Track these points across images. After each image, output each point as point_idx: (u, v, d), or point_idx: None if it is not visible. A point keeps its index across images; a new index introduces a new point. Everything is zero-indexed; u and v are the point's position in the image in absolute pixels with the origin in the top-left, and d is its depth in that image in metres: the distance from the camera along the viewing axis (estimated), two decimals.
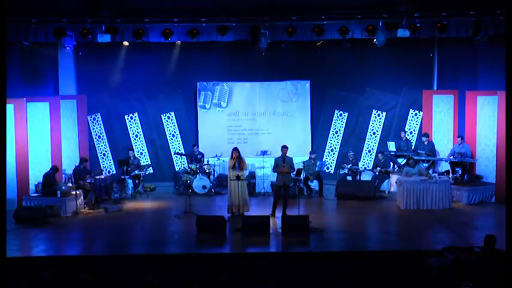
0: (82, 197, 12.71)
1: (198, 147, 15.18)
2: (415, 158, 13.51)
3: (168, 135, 16.22)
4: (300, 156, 14.39)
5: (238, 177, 11.62)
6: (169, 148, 16.23)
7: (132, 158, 14.72)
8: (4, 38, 8.32)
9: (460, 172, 13.45)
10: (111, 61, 15.44)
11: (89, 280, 7.40)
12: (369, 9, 12.93)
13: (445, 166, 14.36)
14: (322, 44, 14.24)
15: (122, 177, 14.10)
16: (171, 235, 10.88)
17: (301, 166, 14.04)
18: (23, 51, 13.72)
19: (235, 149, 11.95)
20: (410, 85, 15.71)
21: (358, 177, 14.48)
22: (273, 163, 12.08)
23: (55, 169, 12.56)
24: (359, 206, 12.86)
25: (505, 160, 9.44)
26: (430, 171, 13.73)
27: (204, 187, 14.14)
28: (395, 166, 14.60)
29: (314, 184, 14.28)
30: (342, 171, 14.65)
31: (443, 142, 14.60)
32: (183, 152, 15.87)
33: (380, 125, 16.09)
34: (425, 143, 14.41)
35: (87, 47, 14.27)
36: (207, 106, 15.99)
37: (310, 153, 14.48)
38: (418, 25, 12.82)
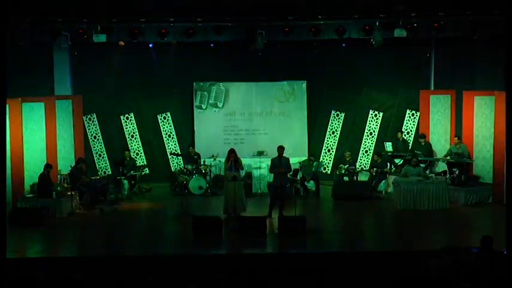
0: (77, 198, 12.64)
1: (194, 147, 15.12)
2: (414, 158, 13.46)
3: (164, 136, 16.15)
4: (296, 156, 14.35)
5: (234, 178, 11.56)
6: (165, 148, 16.16)
7: (127, 159, 14.65)
8: (4, 38, 8.29)
9: (457, 173, 13.44)
10: (106, 61, 15.35)
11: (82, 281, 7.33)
12: (365, 9, 12.87)
13: (442, 166, 14.33)
14: (318, 43, 14.17)
15: (118, 177, 14.02)
16: (167, 236, 10.82)
17: (297, 166, 14.00)
18: (18, 51, 13.61)
19: (232, 151, 11.86)
20: (408, 85, 15.66)
21: (355, 177, 14.43)
22: (269, 164, 12.02)
23: (48, 167, 12.43)
24: (356, 206, 12.81)
25: (503, 160, 9.42)
26: (427, 172, 13.71)
27: (200, 188, 14.07)
28: (392, 166, 14.57)
29: (311, 185, 14.24)
30: (338, 172, 14.60)
31: (441, 142, 14.58)
32: (179, 153, 15.80)
33: (377, 125, 16.05)
34: (422, 143, 14.38)
35: (83, 47, 14.20)
36: (203, 106, 15.92)
37: (309, 156, 14.47)
38: (415, 25, 12.78)
